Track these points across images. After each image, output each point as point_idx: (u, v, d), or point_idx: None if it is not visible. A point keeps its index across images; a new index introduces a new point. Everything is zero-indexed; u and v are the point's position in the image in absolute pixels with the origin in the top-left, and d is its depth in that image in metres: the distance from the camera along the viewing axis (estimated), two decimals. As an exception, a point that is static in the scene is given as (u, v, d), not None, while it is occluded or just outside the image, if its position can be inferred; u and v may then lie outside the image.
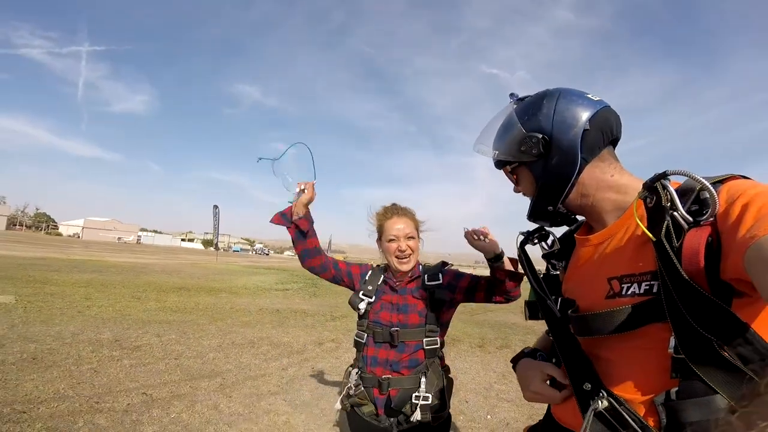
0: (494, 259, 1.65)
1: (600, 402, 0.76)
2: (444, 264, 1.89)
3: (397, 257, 1.78)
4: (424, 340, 1.69)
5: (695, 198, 0.71)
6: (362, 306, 1.78)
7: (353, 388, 1.72)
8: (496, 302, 1.76)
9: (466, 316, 10.51)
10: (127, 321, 6.81)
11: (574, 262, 0.98)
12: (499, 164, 1.04)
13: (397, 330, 1.70)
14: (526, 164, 0.95)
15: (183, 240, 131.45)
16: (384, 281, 1.85)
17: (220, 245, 37.28)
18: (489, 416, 3.92)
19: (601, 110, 0.89)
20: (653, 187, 0.72)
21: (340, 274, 1.90)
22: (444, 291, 1.74)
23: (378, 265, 1.95)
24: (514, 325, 9.77)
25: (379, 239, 1.88)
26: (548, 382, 0.96)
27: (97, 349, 4.97)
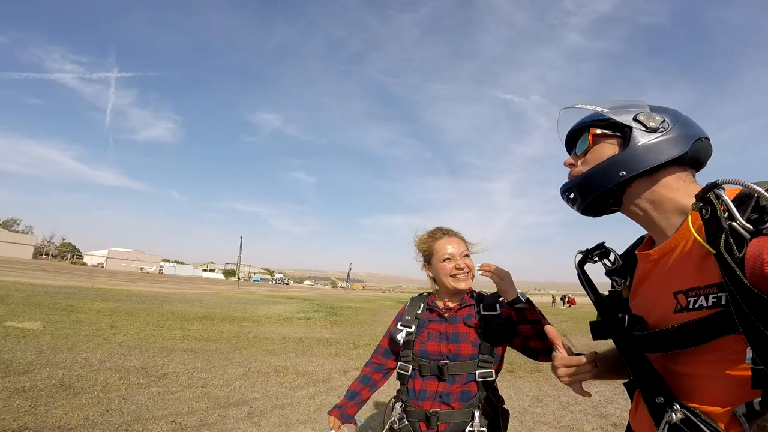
0: (510, 303, 1.50)
1: (674, 414, 0.76)
2: (500, 295, 1.73)
3: (453, 276, 1.68)
4: (477, 372, 1.56)
5: (755, 205, 0.67)
6: (401, 336, 1.66)
7: (397, 422, 1.60)
8: (537, 360, 1.62)
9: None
10: (152, 349, 6.79)
11: (638, 279, 0.96)
12: (593, 125, 0.96)
13: (446, 363, 1.57)
14: (622, 134, 0.91)
15: (204, 270, 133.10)
16: (429, 309, 1.74)
17: (241, 275, 37.49)
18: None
19: (706, 139, 0.90)
20: (707, 198, 0.70)
21: (390, 349, 1.81)
22: (502, 323, 1.60)
23: (419, 295, 1.85)
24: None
25: (428, 263, 1.77)
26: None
27: (125, 377, 4.92)
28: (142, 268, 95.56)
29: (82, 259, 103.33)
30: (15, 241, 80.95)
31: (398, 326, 1.70)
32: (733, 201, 0.68)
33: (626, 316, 0.90)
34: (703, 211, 0.71)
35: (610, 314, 0.94)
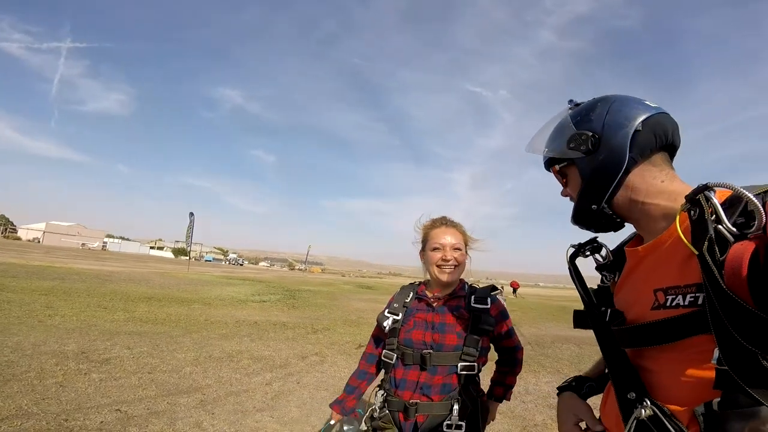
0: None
1: (643, 410, 0.77)
2: (493, 288, 1.77)
3: (438, 266, 1.67)
4: (459, 364, 1.55)
5: (743, 210, 0.69)
6: (387, 323, 1.64)
7: (377, 411, 1.60)
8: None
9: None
10: (93, 332, 6.38)
11: (625, 274, 0.97)
12: (549, 163, 1.04)
13: (429, 352, 1.56)
14: (574, 163, 0.96)
15: (152, 248, 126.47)
16: (418, 298, 1.72)
17: (192, 254, 36.12)
18: None
19: (657, 114, 0.89)
20: (696, 200, 0.72)
21: (380, 339, 1.80)
22: (490, 320, 1.61)
23: (409, 284, 1.84)
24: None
25: (423, 250, 1.77)
26: (582, 425, 0.99)
27: (62, 362, 4.59)
28: (83, 244, 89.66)
29: (17, 233, 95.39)
30: (-66, 210, 73.26)
31: (386, 313, 1.68)
32: (722, 204, 0.69)
33: (609, 310, 0.92)
34: (692, 212, 0.73)
35: (596, 308, 0.96)
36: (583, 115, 0.95)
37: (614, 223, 0.98)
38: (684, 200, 0.75)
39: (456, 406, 1.52)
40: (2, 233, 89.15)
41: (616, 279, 1.02)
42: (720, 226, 0.67)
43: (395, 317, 1.66)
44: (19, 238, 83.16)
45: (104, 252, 69.65)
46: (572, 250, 1.09)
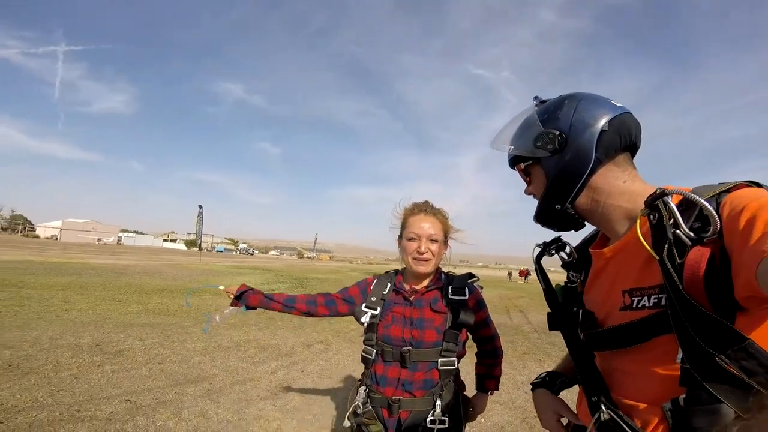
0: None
1: (602, 414, 0.82)
2: (470, 276, 1.75)
3: (414, 258, 1.63)
4: (439, 360, 1.55)
5: (698, 214, 0.71)
6: (365, 319, 1.63)
7: (361, 407, 1.60)
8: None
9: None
10: (107, 325, 6.61)
11: (593, 275, 0.98)
12: (514, 162, 1.03)
13: (409, 350, 1.55)
14: (539, 162, 0.95)
15: (165, 241, 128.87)
16: (395, 290, 1.69)
17: (204, 246, 36.66)
18: (483, 420, 3.89)
19: (622, 114, 0.89)
20: (655, 205, 0.74)
21: (338, 308, 1.78)
22: (469, 313, 1.59)
23: (386, 272, 1.81)
24: (502, 326, 9.83)
25: (400, 237, 1.72)
26: (564, 420, 1.04)
27: (77, 355, 4.79)
28: (99, 240, 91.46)
29: (35, 231, 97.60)
30: (-45, 211, 75.30)
31: (363, 307, 1.66)
32: (678, 206, 0.72)
33: (580, 311, 0.94)
34: (651, 217, 0.75)
35: (564, 308, 0.99)
36: (550, 112, 0.94)
37: (576, 223, 0.99)
38: (643, 204, 0.77)
39: (438, 402, 1.53)
40: (21, 232, 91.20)
41: (582, 278, 1.03)
42: (678, 231, 0.70)
43: (373, 312, 1.63)
44: (37, 236, 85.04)
45: (119, 246, 71.03)
46: (538, 250, 1.10)
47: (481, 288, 1.78)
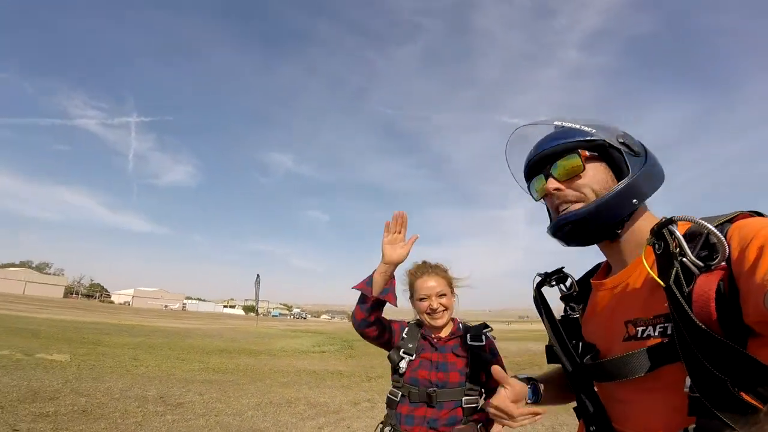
0: None
1: None
2: (485, 326, 1.84)
3: (428, 314, 1.75)
4: (463, 399, 1.63)
5: (704, 242, 0.71)
6: (403, 364, 1.71)
7: None
8: None
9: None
10: (171, 380, 7.00)
11: (592, 306, 0.97)
12: (576, 146, 0.88)
13: (434, 390, 1.63)
14: (610, 157, 0.87)
15: (225, 306, 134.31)
16: (423, 336, 1.79)
17: (260, 311, 37.76)
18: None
19: None
20: (661, 234, 0.73)
21: (393, 337, 1.82)
22: (487, 356, 1.68)
23: (415, 320, 1.90)
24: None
25: (412, 297, 1.84)
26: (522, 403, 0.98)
27: (143, 405, 5.13)
28: (166, 306, 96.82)
29: (110, 298, 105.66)
30: (47, 282, 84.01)
31: (401, 353, 1.74)
32: (684, 236, 0.71)
33: (580, 343, 0.93)
34: (656, 246, 0.74)
35: (564, 340, 0.97)
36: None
37: (611, 233, 0.89)
38: (649, 233, 0.76)
39: None
40: (99, 299, 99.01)
41: (582, 310, 1.01)
42: (685, 259, 0.69)
43: (410, 358, 1.71)
44: (112, 302, 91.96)
45: (184, 312, 74.82)
46: (539, 279, 1.07)
47: (494, 338, 1.87)
